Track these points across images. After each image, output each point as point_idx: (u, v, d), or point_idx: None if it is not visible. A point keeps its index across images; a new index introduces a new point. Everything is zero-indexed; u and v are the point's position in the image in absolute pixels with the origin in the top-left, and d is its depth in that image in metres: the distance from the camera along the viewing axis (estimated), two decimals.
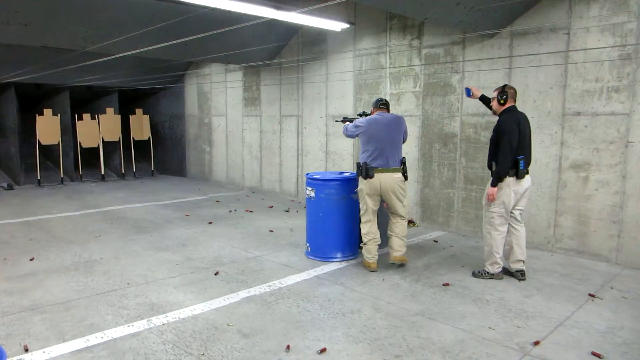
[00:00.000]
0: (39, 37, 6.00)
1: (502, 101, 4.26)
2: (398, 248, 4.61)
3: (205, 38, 5.28)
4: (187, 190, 9.57)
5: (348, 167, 7.32)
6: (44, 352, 3.03)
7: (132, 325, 3.41)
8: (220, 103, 10.05)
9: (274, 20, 5.42)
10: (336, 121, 5.86)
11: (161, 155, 11.98)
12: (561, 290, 4.11)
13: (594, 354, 3.02)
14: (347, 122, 4.99)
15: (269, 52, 8.15)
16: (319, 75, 7.74)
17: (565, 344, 3.16)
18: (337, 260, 4.90)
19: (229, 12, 4.96)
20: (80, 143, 10.60)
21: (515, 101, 4.32)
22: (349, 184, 4.90)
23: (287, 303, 3.84)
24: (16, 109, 9.94)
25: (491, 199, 4.25)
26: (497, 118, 4.35)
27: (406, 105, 6.50)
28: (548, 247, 5.28)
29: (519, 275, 4.36)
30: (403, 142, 4.69)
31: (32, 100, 10.74)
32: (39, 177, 9.97)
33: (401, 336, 3.27)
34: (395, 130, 4.59)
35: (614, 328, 3.40)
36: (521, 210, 4.38)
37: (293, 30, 7.83)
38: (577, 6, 4.88)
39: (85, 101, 11.34)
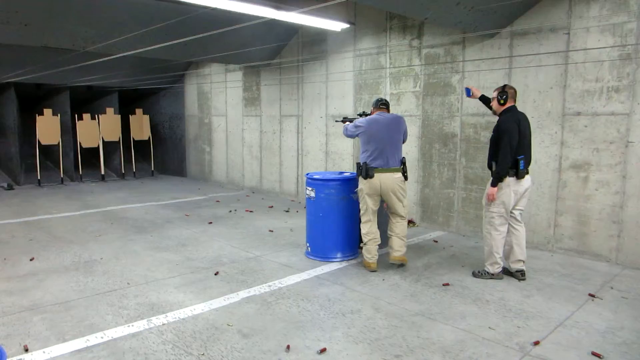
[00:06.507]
0: (39, 37, 6.01)
1: (502, 101, 4.26)
2: (398, 248, 4.61)
3: (205, 38, 5.28)
4: (187, 190, 9.57)
5: (348, 167, 7.32)
6: (44, 352, 3.03)
7: (132, 325, 3.41)
8: (220, 103, 10.05)
9: (274, 20, 5.42)
10: (336, 121, 5.86)
11: (161, 155, 11.98)
12: (561, 290, 4.11)
13: (594, 354, 3.02)
14: (347, 122, 4.99)
15: (269, 52, 8.15)
16: (319, 75, 7.74)
17: (565, 344, 3.16)
18: (337, 260, 4.90)
19: (229, 12, 4.96)
20: (80, 143, 10.60)
21: (515, 101, 4.31)
22: (349, 184, 4.90)
23: (287, 303, 3.84)
24: (16, 109, 9.94)
25: (491, 199, 4.25)
26: (497, 118, 4.35)
27: (406, 105, 6.50)
28: (548, 247, 5.28)
29: (519, 275, 4.36)
30: (403, 142, 4.68)
31: (32, 100, 10.74)
32: (39, 177, 9.97)
33: (401, 336, 3.27)
34: (395, 130, 4.59)
35: (614, 328, 3.40)
36: (521, 210, 4.38)
37: (293, 30, 7.83)
38: (577, 6, 4.88)
39: (85, 101, 11.34)
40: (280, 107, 8.57)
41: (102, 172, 10.83)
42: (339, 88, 7.43)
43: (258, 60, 8.22)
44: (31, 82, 9.32)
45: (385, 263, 4.72)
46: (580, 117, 4.96)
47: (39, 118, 9.95)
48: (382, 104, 4.72)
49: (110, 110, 10.96)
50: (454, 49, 5.94)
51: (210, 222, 6.69)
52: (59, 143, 10.18)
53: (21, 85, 9.50)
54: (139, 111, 11.51)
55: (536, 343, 3.17)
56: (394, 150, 4.56)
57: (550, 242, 5.27)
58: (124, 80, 9.63)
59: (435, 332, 3.33)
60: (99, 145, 10.78)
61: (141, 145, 11.69)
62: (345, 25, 6.36)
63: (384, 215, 4.82)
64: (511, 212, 4.32)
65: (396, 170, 4.55)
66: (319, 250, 4.98)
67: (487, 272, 4.39)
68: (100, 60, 6.54)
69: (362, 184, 4.60)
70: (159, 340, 3.20)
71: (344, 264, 4.84)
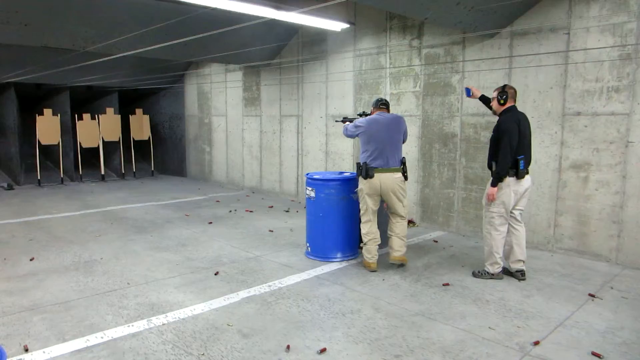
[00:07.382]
0: (39, 37, 6.01)
1: (502, 101, 4.26)
2: (398, 248, 4.61)
3: (205, 38, 5.28)
4: (187, 190, 9.57)
5: (348, 167, 7.32)
6: (44, 352, 3.03)
7: (132, 325, 3.41)
8: (220, 103, 10.05)
9: (274, 20, 5.42)
10: (336, 121, 5.86)
11: (161, 155, 11.98)
12: (561, 290, 4.11)
13: (594, 354, 3.02)
14: (347, 122, 4.99)
15: (269, 52, 8.15)
16: (319, 75, 7.74)
17: (565, 344, 3.16)
18: (337, 260, 4.90)
19: (229, 12, 4.96)
20: (80, 143, 10.60)
21: (515, 101, 4.31)
22: (349, 184, 4.90)
23: (287, 303, 3.84)
24: (16, 109, 9.94)
25: (491, 199, 4.25)
26: (497, 118, 4.35)
27: (406, 105, 6.50)
28: (548, 247, 5.28)
29: (519, 275, 4.36)
30: (403, 142, 4.68)
31: (32, 100, 10.74)
32: (39, 177, 9.97)
33: (401, 336, 3.27)
34: (395, 130, 4.59)
35: (614, 328, 3.40)
36: (521, 210, 4.38)
37: (293, 30, 7.83)
38: (577, 6, 4.88)
39: (85, 101, 11.34)
40: (280, 107, 8.57)
41: (102, 172, 10.83)
42: (339, 88, 7.43)
43: (258, 60, 8.23)
44: (31, 82, 9.32)
45: (385, 263, 4.72)
46: (580, 117, 4.96)
47: (39, 118, 9.95)
48: (382, 104, 4.72)
49: (110, 110, 10.96)
50: (454, 49, 5.94)
51: (210, 222, 6.69)
52: (59, 143, 10.17)
53: (21, 85, 9.50)
54: (139, 111, 11.50)
55: (536, 343, 3.17)
56: (394, 150, 4.56)
57: (550, 242, 5.27)
58: (124, 80, 9.63)
59: (435, 332, 3.33)
60: (99, 145, 10.78)
61: (141, 145, 11.68)
62: (345, 25, 6.36)
63: (384, 215, 4.82)
64: (511, 212, 4.32)
65: (396, 170, 4.55)
66: (319, 250, 4.98)
67: (487, 272, 4.39)
68: (100, 60, 6.54)
69: (362, 184, 4.60)
70: (159, 340, 3.20)
71: (344, 264, 4.84)
